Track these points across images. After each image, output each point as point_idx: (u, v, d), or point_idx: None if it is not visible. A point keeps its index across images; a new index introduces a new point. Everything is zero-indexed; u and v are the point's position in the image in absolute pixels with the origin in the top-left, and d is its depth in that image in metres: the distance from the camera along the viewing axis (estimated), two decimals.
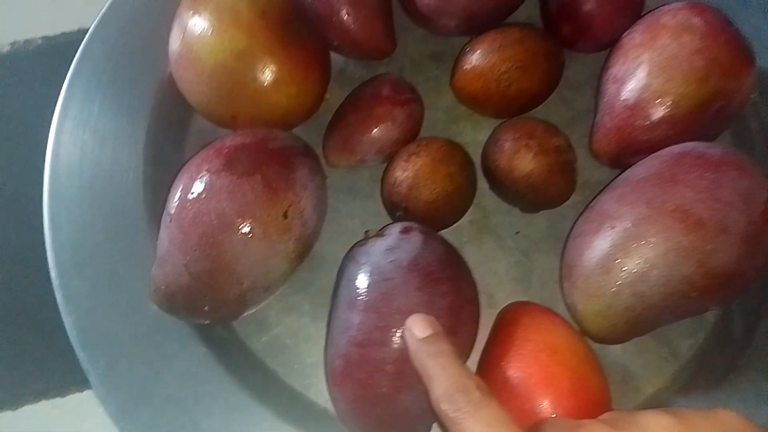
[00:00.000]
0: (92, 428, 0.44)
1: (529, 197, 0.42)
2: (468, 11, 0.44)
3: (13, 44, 0.53)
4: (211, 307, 0.37)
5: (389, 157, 0.44)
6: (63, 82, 0.46)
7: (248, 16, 0.38)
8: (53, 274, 0.41)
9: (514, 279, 0.44)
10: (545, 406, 0.34)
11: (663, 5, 0.44)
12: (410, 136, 0.44)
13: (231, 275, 0.36)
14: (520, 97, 0.44)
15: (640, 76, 0.41)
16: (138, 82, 0.46)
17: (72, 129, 0.44)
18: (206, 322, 0.39)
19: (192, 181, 0.36)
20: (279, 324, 0.42)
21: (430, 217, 0.41)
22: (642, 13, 0.45)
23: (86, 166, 0.43)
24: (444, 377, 0.30)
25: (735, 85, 0.40)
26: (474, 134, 0.47)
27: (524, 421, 0.34)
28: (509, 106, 0.44)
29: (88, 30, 0.47)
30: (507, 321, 0.39)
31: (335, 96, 0.46)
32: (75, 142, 0.44)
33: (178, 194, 0.37)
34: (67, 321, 0.40)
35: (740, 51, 0.41)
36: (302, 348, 0.42)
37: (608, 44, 0.45)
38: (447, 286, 0.35)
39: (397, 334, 0.33)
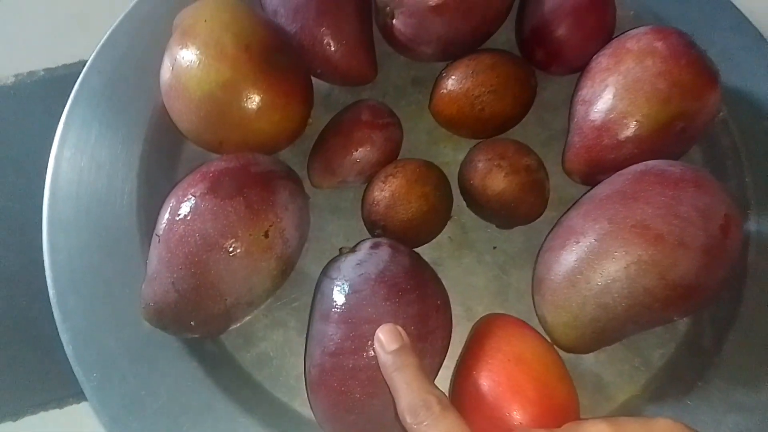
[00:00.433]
0: None
1: (502, 214, 0.44)
2: (444, 39, 0.46)
3: (17, 76, 0.55)
4: (198, 322, 0.38)
5: (370, 177, 0.45)
6: (63, 111, 0.47)
7: (232, 50, 0.40)
8: (51, 293, 0.42)
9: (491, 292, 0.45)
10: (512, 414, 0.35)
11: (633, 28, 0.45)
12: (389, 157, 0.45)
13: (215, 292, 0.37)
14: (494, 119, 0.45)
15: (607, 98, 0.43)
16: (132, 110, 0.47)
17: (70, 156, 0.46)
18: (194, 336, 0.40)
19: (179, 203, 0.38)
20: (265, 339, 0.44)
21: (407, 235, 0.42)
22: (612, 37, 0.46)
23: (83, 191, 0.45)
24: (407, 391, 0.32)
25: (697, 105, 0.42)
26: (454, 154, 0.48)
27: (492, 430, 0.35)
28: (484, 128, 0.46)
29: (87, 62, 0.48)
30: (481, 332, 0.40)
31: (321, 120, 0.47)
32: (73, 168, 0.45)
33: (166, 216, 0.38)
34: (64, 337, 0.41)
35: (702, 73, 0.42)
36: (287, 361, 0.43)
37: (581, 67, 0.47)
38: (413, 296, 0.36)
39: (368, 343, 0.35)
